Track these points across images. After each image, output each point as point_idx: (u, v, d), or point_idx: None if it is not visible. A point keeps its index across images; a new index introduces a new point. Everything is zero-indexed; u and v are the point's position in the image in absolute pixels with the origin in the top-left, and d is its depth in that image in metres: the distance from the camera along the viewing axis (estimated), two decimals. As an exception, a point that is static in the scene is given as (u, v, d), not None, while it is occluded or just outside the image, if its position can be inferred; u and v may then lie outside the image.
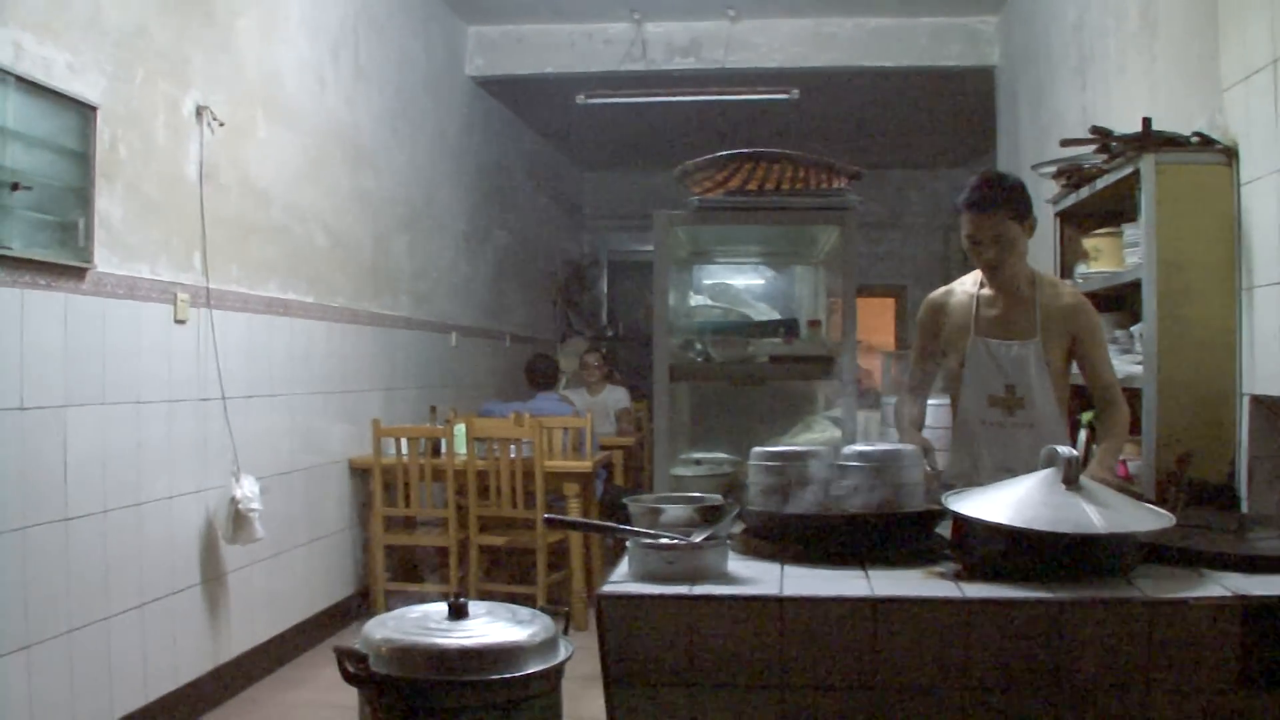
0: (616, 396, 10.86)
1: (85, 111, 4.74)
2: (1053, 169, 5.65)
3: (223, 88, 5.85)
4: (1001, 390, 4.17)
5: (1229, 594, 2.44)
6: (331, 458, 7.30)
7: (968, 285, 4.34)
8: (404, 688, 2.63)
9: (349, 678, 2.68)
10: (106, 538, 4.89)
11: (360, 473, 7.66)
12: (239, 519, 5.62)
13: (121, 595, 5.00)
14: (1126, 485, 4.74)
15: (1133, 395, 4.74)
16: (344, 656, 2.67)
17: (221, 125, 5.77)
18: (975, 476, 3.89)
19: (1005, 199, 4.00)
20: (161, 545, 5.31)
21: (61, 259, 4.57)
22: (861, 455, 3.11)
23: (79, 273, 4.69)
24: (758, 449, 3.21)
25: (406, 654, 2.64)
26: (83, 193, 4.73)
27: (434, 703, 2.62)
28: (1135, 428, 4.79)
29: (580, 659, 2.95)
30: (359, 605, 7.52)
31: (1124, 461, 4.94)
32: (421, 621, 2.79)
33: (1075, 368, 4.28)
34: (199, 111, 5.60)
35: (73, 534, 4.66)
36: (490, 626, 2.76)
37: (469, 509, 7.41)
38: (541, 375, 9.31)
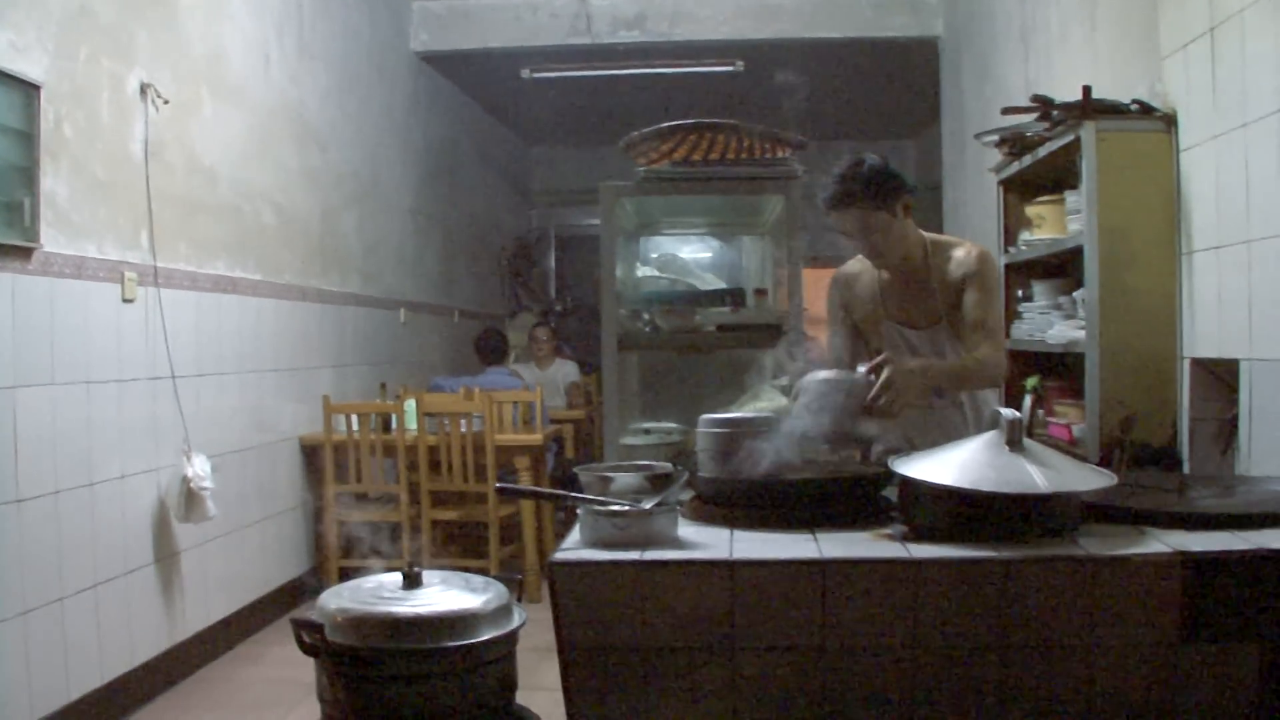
0: (566, 370, 10.90)
1: (29, 90, 4.71)
2: (996, 138, 5.70)
3: (167, 65, 5.83)
4: None
5: (1170, 550, 2.48)
6: (282, 435, 7.30)
7: (849, 269, 4.24)
8: (360, 656, 2.64)
9: (305, 648, 2.69)
10: (59, 518, 4.88)
11: (311, 450, 7.65)
12: (191, 498, 5.62)
13: (75, 576, 5.00)
14: (1062, 444, 4.81)
15: (1076, 360, 4.81)
16: (300, 627, 2.68)
17: (166, 103, 5.75)
18: None
19: (861, 191, 3.77)
20: (114, 525, 5.30)
21: (7, 239, 4.55)
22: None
23: (25, 252, 4.67)
24: (706, 416, 3.24)
25: (362, 623, 2.66)
26: (27, 172, 4.71)
27: (390, 671, 2.63)
28: (1078, 393, 4.86)
29: (534, 631, 2.97)
30: (313, 582, 7.52)
31: (1068, 426, 5.01)
32: (376, 591, 2.80)
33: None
34: (143, 89, 5.57)
35: (25, 515, 4.65)
36: (444, 595, 2.78)
37: (420, 484, 7.43)
38: (491, 350, 9.34)
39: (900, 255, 3.95)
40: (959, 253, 3.95)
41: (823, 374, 3.36)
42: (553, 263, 15.88)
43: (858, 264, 4.20)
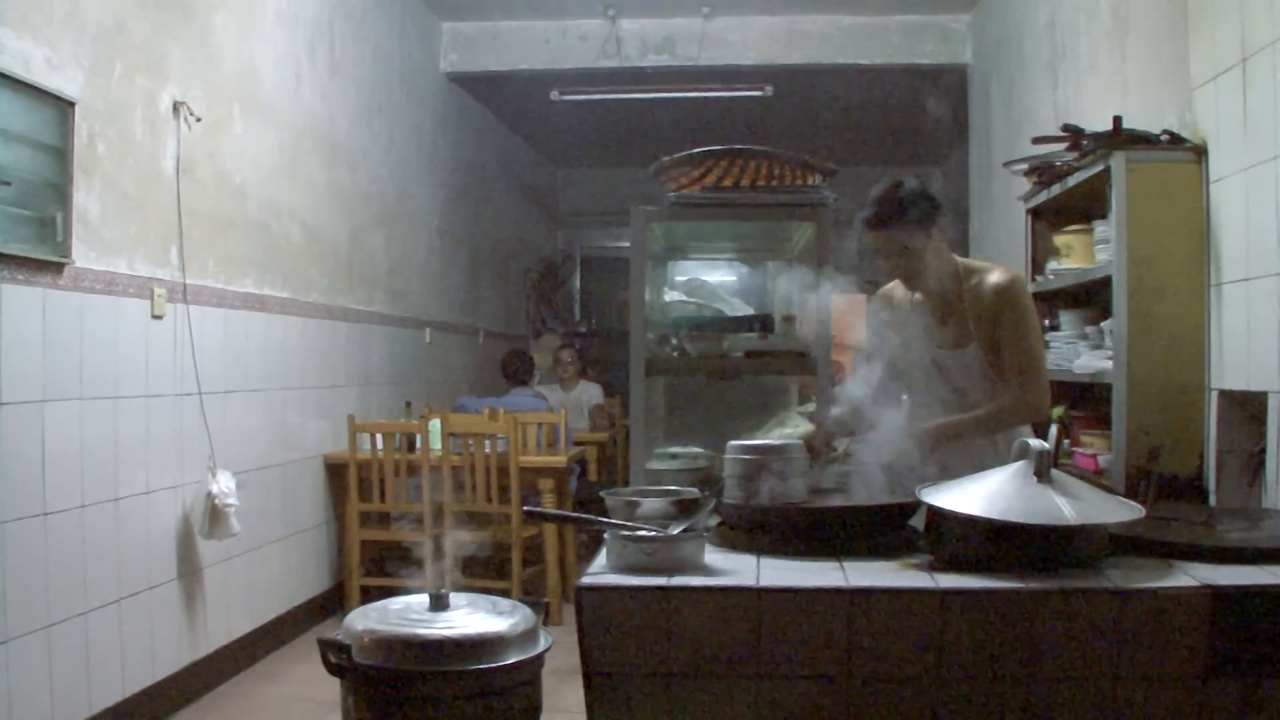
0: (590, 393, 10.91)
1: (63, 107, 4.74)
2: (1024, 166, 5.70)
3: (199, 83, 5.86)
4: (952, 395, 4.03)
5: (1197, 584, 2.48)
6: (307, 453, 7.31)
7: (887, 293, 4.29)
8: (386, 678, 2.65)
9: (332, 668, 2.70)
10: (84, 532, 4.90)
11: (336, 468, 7.67)
12: (215, 514, 5.63)
13: (99, 590, 5.01)
14: (1088, 474, 4.79)
15: (1103, 391, 4.80)
16: (327, 647, 2.69)
17: (199, 120, 5.79)
18: None
19: (902, 212, 3.83)
20: (139, 540, 5.31)
21: (39, 254, 4.58)
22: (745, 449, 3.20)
23: (57, 268, 4.70)
24: (733, 442, 3.24)
25: (389, 644, 2.67)
26: (60, 188, 4.73)
27: (416, 692, 2.65)
28: (1105, 423, 4.84)
29: (557, 653, 2.98)
30: (335, 601, 7.53)
31: (1094, 456, 5.00)
32: (403, 613, 2.81)
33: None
34: (176, 107, 5.61)
35: (51, 529, 4.67)
36: (471, 617, 2.79)
37: (444, 504, 7.43)
38: (517, 371, 9.35)
39: (935, 277, 3.98)
40: (991, 278, 3.96)
41: (750, 442, 3.32)
42: (578, 284, 15.92)
43: (897, 286, 4.23)
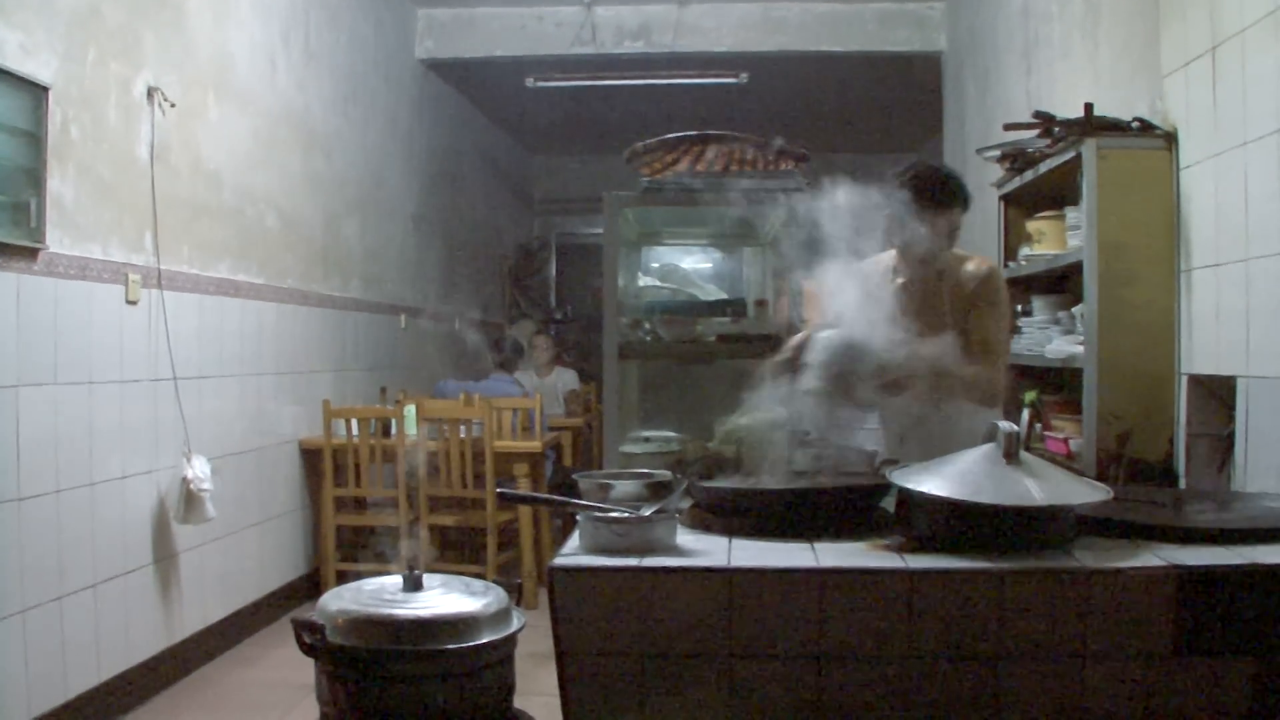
0: (565, 379, 10.93)
1: (37, 92, 4.73)
2: (997, 153, 5.73)
3: (174, 69, 5.85)
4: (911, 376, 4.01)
5: (1165, 564, 2.50)
6: (282, 438, 7.32)
7: (880, 270, 4.17)
8: (360, 658, 2.66)
9: (306, 648, 2.71)
10: (59, 518, 4.90)
11: (311, 453, 7.67)
12: (191, 499, 5.64)
13: (74, 575, 5.01)
14: (1059, 458, 4.83)
15: (1074, 375, 4.83)
16: (301, 628, 2.70)
17: (173, 106, 5.77)
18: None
19: (961, 193, 3.89)
20: (114, 525, 5.32)
21: (13, 239, 4.57)
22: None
23: (31, 253, 4.69)
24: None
25: (363, 625, 2.68)
26: (34, 173, 4.72)
27: (390, 672, 2.66)
28: (1076, 407, 4.88)
29: (531, 637, 2.99)
30: (310, 586, 7.54)
31: (1065, 440, 5.03)
32: (377, 593, 2.82)
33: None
34: (150, 93, 5.60)
35: (25, 514, 4.67)
36: (445, 598, 2.80)
37: (419, 489, 7.44)
38: (508, 355, 9.39)
39: (944, 261, 4.02)
40: (971, 266, 4.01)
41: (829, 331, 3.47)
42: (553, 271, 15.92)
43: (877, 265, 4.18)
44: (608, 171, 7.91)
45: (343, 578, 7.25)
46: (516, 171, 15.24)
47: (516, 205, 15.20)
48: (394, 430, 7.46)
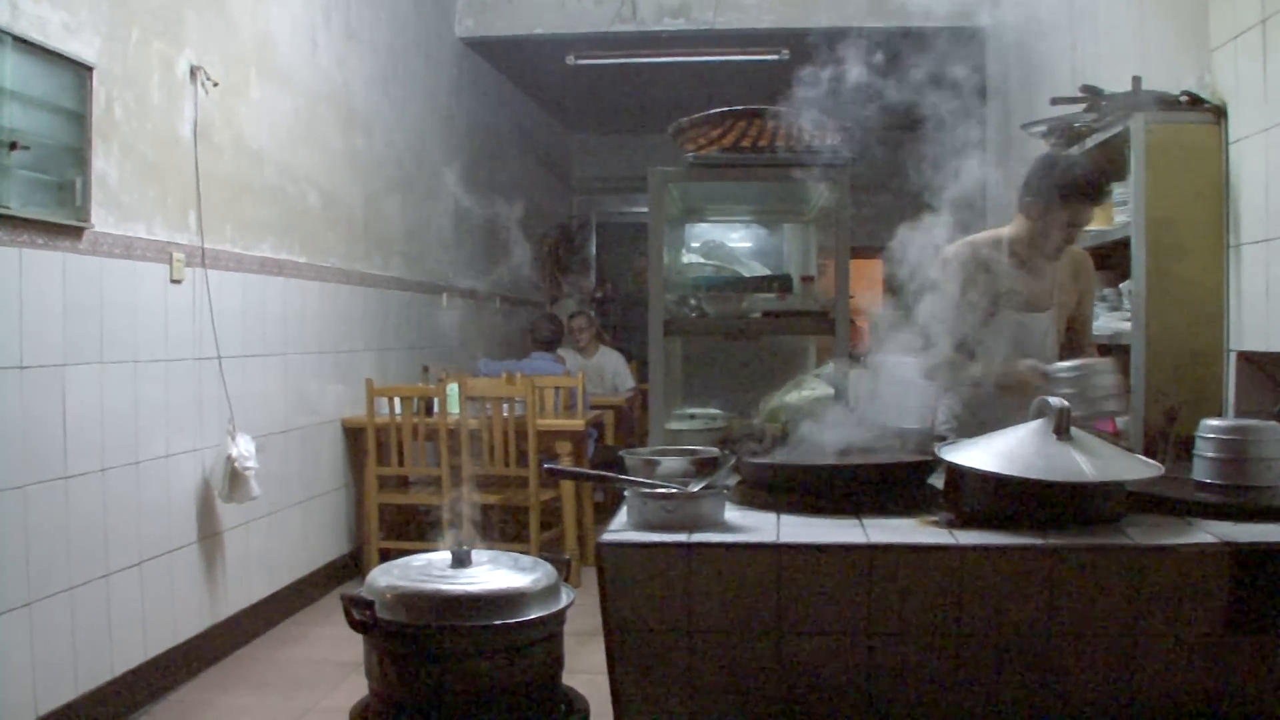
0: (612, 360, 10.90)
1: (81, 71, 4.74)
2: (1043, 128, 5.68)
3: (216, 48, 5.86)
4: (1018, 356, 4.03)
5: (1217, 540, 2.48)
6: (325, 417, 7.34)
7: (987, 250, 4.17)
8: (410, 634, 2.67)
9: (355, 624, 2.72)
10: (105, 496, 4.93)
11: (354, 432, 7.69)
12: (235, 477, 5.66)
13: (120, 553, 5.04)
14: (1106, 436, 4.79)
15: (1122, 352, 4.80)
16: (350, 604, 2.71)
17: (215, 85, 5.78)
18: None
19: (1109, 189, 4.10)
20: (159, 503, 5.34)
21: (59, 218, 4.59)
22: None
23: (76, 232, 4.71)
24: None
25: (412, 600, 2.69)
26: (79, 153, 4.74)
27: (439, 648, 2.66)
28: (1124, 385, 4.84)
29: (576, 615, 2.99)
30: (353, 565, 7.56)
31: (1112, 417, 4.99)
32: (425, 569, 2.83)
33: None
34: (193, 71, 5.61)
35: (72, 492, 4.70)
36: (493, 574, 2.81)
37: (462, 468, 7.45)
38: (545, 336, 9.38)
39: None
40: (1080, 249, 4.35)
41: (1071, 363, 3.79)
42: (593, 250, 15.90)
43: (988, 246, 4.20)
44: (647, 150, 7.92)
45: (385, 556, 7.26)
46: (556, 150, 15.21)
47: (556, 184, 15.17)
48: (436, 409, 7.46)
